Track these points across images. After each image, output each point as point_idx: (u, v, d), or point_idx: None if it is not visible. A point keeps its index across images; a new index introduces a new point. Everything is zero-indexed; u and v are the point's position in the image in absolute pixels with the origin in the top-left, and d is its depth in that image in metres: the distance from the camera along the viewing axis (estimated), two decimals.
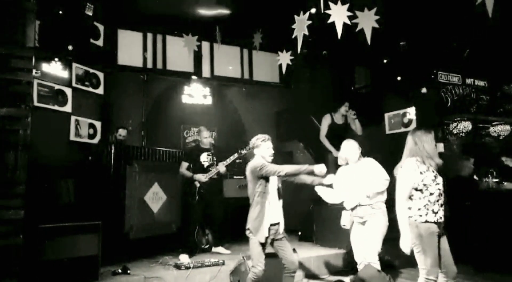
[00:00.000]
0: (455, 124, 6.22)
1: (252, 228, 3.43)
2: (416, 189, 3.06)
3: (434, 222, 3.02)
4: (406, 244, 3.03)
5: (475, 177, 5.66)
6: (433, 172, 3.10)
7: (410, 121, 6.62)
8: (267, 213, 3.43)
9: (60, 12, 5.69)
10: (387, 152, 5.47)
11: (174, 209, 5.65)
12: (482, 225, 4.99)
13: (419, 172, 3.05)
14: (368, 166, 3.90)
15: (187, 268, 4.26)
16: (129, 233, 5.03)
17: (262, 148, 3.58)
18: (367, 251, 3.71)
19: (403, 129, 6.74)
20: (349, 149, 3.98)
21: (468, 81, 6.67)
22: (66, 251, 3.69)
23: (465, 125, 6.21)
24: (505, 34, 5.96)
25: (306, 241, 6.01)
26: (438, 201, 3.06)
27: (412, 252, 3.07)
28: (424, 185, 3.04)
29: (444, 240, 3.12)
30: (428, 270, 3.00)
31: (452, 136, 6.27)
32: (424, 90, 6.31)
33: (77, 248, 3.75)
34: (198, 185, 5.08)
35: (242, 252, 5.21)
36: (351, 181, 3.88)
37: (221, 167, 5.14)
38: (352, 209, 3.87)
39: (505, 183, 5.42)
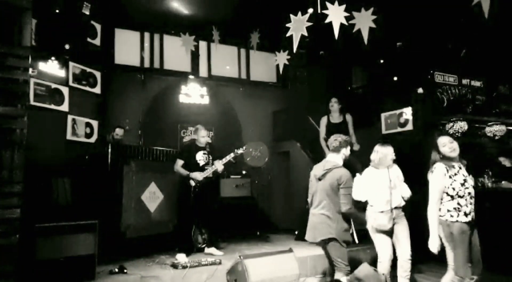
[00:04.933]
0: (451, 124, 6.22)
1: None
2: (447, 194, 3.20)
3: (466, 223, 3.12)
4: (434, 244, 3.17)
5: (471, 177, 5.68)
6: (463, 175, 3.23)
7: (407, 121, 6.64)
8: None
9: (57, 11, 5.69)
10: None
11: (171, 208, 5.65)
12: (479, 226, 5.00)
13: (449, 176, 3.20)
14: (398, 172, 3.90)
15: (184, 267, 4.26)
16: (126, 232, 5.03)
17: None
18: (408, 247, 3.77)
19: (399, 129, 6.76)
20: (389, 151, 3.89)
21: (464, 81, 6.69)
22: (63, 250, 3.69)
23: (461, 126, 6.21)
24: (501, 34, 5.99)
25: (302, 241, 6.01)
26: (471, 203, 3.18)
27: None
28: (453, 189, 3.18)
29: (475, 236, 3.23)
30: (458, 267, 3.08)
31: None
32: (420, 90, 6.33)
33: (73, 247, 3.75)
34: (193, 183, 5.07)
35: (239, 251, 5.22)
36: (389, 183, 3.81)
37: (219, 165, 5.13)
38: (384, 211, 3.77)
39: (502, 182, 5.44)
